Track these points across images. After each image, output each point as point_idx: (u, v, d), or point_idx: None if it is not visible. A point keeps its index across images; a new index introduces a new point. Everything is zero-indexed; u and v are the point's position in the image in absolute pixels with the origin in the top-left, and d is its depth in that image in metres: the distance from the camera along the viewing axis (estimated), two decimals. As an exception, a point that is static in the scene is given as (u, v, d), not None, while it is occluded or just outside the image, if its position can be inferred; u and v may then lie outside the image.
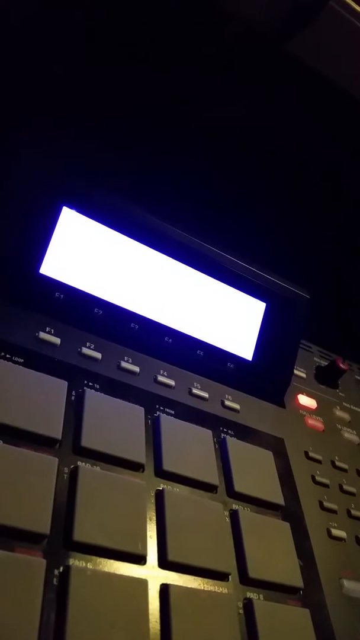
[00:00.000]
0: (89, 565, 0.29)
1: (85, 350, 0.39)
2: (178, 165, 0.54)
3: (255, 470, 0.41)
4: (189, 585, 0.32)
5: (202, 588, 0.33)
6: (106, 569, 0.30)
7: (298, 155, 0.54)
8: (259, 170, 0.56)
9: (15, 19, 0.42)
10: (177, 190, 0.55)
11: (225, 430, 0.43)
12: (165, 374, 0.43)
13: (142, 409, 0.38)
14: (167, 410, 0.40)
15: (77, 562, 0.29)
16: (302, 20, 0.45)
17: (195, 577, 0.33)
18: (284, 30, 0.46)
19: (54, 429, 0.33)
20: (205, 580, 0.33)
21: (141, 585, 0.30)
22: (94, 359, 0.40)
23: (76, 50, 0.46)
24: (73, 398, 0.36)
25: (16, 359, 0.35)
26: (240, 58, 0.48)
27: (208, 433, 0.41)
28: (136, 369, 0.41)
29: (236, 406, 0.45)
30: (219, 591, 0.33)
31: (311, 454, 0.48)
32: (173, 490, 0.36)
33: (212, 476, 0.38)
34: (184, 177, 0.55)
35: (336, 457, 0.49)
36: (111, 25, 0.44)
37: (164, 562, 0.32)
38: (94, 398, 0.37)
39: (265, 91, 0.50)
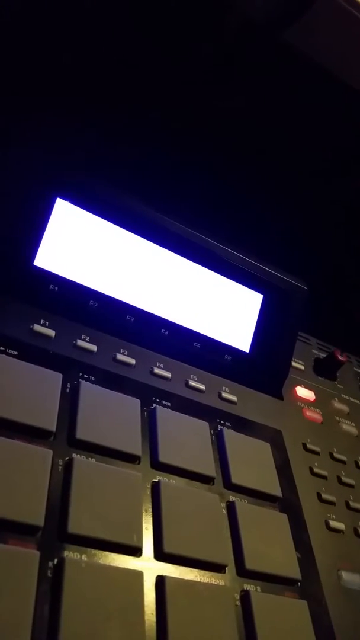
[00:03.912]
0: (84, 557, 0.29)
1: (80, 343, 0.39)
2: (174, 156, 0.54)
3: (252, 462, 0.41)
4: (185, 577, 0.32)
5: (199, 580, 0.32)
6: (101, 561, 0.29)
7: (295, 146, 0.54)
8: (255, 161, 0.55)
9: (15, 3, 0.42)
10: (174, 182, 0.54)
11: (222, 422, 0.43)
12: (161, 366, 0.43)
13: (138, 401, 0.38)
14: (164, 402, 0.40)
15: (71, 554, 0.29)
16: (298, 8, 0.44)
17: (192, 569, 0.33)
18: (280, 19, 0.46)
19: (49, 421, 0.33)
20: (202, 572, 0.33)
21: (137, 577, 0.30)
22: (90, 351, 0.39)
23: (74, 41, 0.45)
24: (68, 390, 0.36)
25: (10, 351, 0.35)
26: (238, 50, 0.48)
27: (205, 425, 0.41)
28: (132, 361, 0.41)
29: (233, 398, 0.45)
30: (215, 583, 0.33)
31: (309, 446, 0.47)
32: (169, 482, 0.35)
33: (209, 468, 0.38)
34: (180, 168, 0.55)
35: (334, 449, 0.49)
36: (110, 18, 0.44)
37: (160, 554, 0.32)
38: (89, 390, 0.36)
39: (263, 83, 0.50)
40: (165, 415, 0.39)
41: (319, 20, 0.44)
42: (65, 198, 0.41)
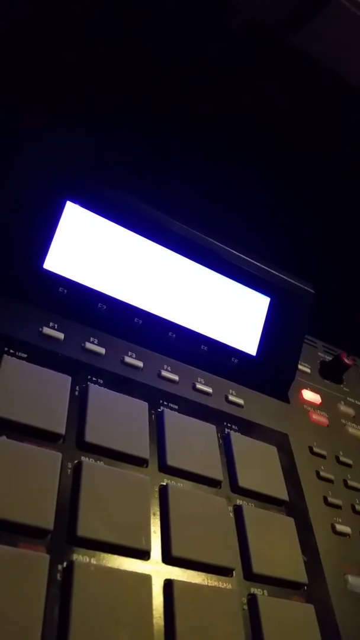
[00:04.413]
0: (93, 561, 0.29)
1: (89, 345, 0.39)
2: (183, 159, 0.54)
3: (259, 466, 0.41)
4: (193, 581, 0.32)
5: (206, 583, 0.32)
6: (110, 565, 0.30)
7: (303, 148, 0.54)
8: (263, 164, 0.55)
9: (21, 5, 0.42)
10: (182, 185, 0.55)
11: (229, 425, 0.43)
12: (169, 369, 0.43)
13: (145, 404, 0.38)
14: (171, 405, 0.40)
15: (80, 557, 0.29)
16: (307, 12, 0.44)
17: (199, 573, 0.33)
18: (288, 23, 0.46)
19: (58, 424, 0.33)
20: (209, 575, 0.33)
21: (145, 580, 0.30)
22: (98, 354, 0.39)
23: (81, 43, 0.46)
24: (77, 393, 0.36)
25: (20, 354, 0.35)
26: (244, 52, 0.48)
27: (212, 428, 0.41)
28: (140, 364, 0.41)
29: (240, 401, 0.45)
30: (222, 587, 0.33)
31: (315, 449, 0.47)
32: (177, 485, 0.36)
33: (216, 471, 0.38)
34: (188, 171, 0.55)
35: (341, 453, 0.49)
36: (116, 20, 0.44)
37: (168, 558, 0.32)
38: (97, 393, 0.36)
39: (269, 85, 0.50)
40: (172, 419, 0.39)
41: (327, 23, 0.44)
42: (75, 201, 0.41)
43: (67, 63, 0.46)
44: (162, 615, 0.29)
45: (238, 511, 0.37)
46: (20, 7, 0.43)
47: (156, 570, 0.31)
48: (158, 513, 0.34)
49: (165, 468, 0.36)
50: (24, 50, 0.45)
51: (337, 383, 0.57)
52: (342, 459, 0.49)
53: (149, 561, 0.31)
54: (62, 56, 0.46)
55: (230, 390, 0.46)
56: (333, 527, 0.43)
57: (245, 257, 0.48)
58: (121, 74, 0.48)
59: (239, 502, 0.38)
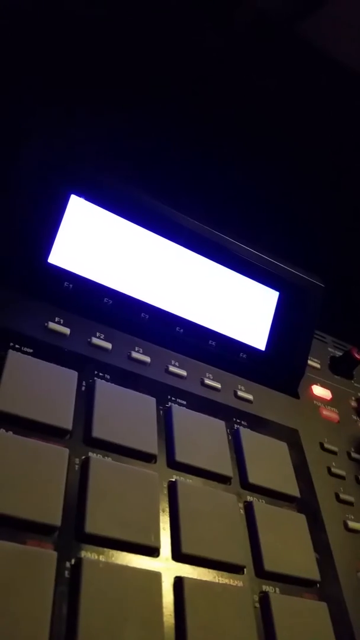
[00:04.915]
0: (101, 558, 0.29)
1: (95, 341, 0.39)
2: (189, 153, 0.54)
3: (269, 462, 0.40)
4: (204, 578, 0.31)
5: (217, 581, 0.32)
6: (119, 562, 0.29)
7: (311, 141, 0.53)
8: (271, 157, 0.55)
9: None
10: (188, 178, 0.54)
11: (238, 421, 0.42)
12: (176, 364, 0.42)
13: (153, 400, 0.38)
14: (179, 400, 0.40)
15: (89, 554, 0.28)
16: (312, 1, 0.44)
17: (210, 570, 0.32)
18: (295, 12, 0.45)
19: (65, 419, 0.32)
20: (220, 573, 0.32)
21: (155, 578, 0.29)
22: (104, 349, 0.39)
23: (87, 36, 0.45)
24: (83, 388, 0.35)
25: (25, 349, 0.35)
26: (250, 45, 0.47)
27: (221, 424, 0.40)
28: (147, 359, 0.41)
29: (249, 397, 0.45)
30: (234, 584, 0.32)
31: (326, 445, 0.47)
32: (186, 481, 0.35)
33: (226, 467, 0.37)
34: (194, 164, 0.54)
35: (352, 449, 0.48)
36: (122, 16, 0.44)
37: (178, 555, 0.31)
38: (104, 388, 0.36)
39: (276, 76, 0.49)
40: (181, 414, 0.38)
41: (332, 12, 0.44)
42: (79, 194, 0.40)
43: (71, 55, 0.46)
44: (172, 613, 0.29)
45: (249, 508, 0.37)
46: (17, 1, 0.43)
47: (166, 567, 0.30)
48: (167, 509, 0.33)
49: (174, 464, 0.35)
50: (25, 42, 0.44)
51: (348, 379, 0.56)
52: (353, 455, 0.48)
53: (158, 558, 0.31)
54: (65, 48, 0.46)
55: (239, 386, 0.45)
56: (345, 524, 0.42)
57: (253, 251, 0.47)
58: (128, 69, 0.48)
59: (249, 498, 0.37)
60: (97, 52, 0.46)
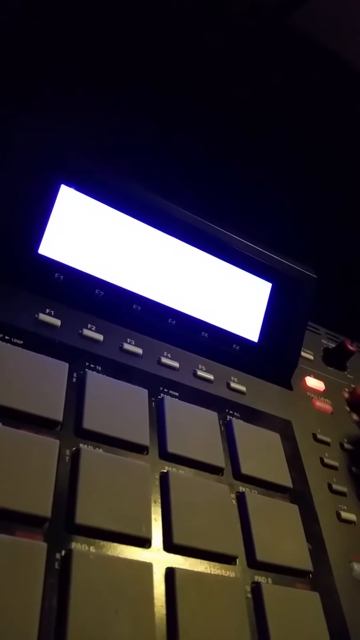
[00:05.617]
0: (92, 549, 0.28)
1: (86, 332, 0.39)
2: (181, 143, 0.53)
3: (262, 453, 0.40)
4: (195, 569, 0.31)
5: (209, 572, 0.32)
6: (110, 553, 0.29)
7: (304, 133, 0.53)
8: (263, 148, 0.55)
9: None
10: (180, 169, 0.54)
11: (231, 412, 0.42)
12: (169, 355, 0.42)
13: (145, 391, 0.37)
14: (171, 392, 0.40)
15: (79, 545, 0.28)
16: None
17: (202, 561, 0.32)
18: (288, 2, 0.45)
19: (55, 410, 0.32)
20: (212, 563, 0.32)
21: (146, 569, 0.29)
22: (96, 341, 0.39)
23: (79, 25, 0.45)
24: (74, 380, 0.35)
25: (15, 340, 0.35)
26: (245, 37, 0.47)
27: (213, 415, 0.40)
28: (139, 350, 0.40)
29: (242, 388, 0.44)
30: (226, 575, 0.32)
31: (319, 436, 0.47)
32: (178, 472, 0.35)
33: (218, 458, 0.37)
34: (187, 155, 0.54)
35: (345, 440, 0.48)
36: (118, 8, 0.43)
37: (170, 545, 0.31)
38: (95, 380, 0.36)
39: (271, 68, 0.49)
40: (173, 406, 0.38)
41: (325, 3, 0.43)
42: (69, 184, 0.40)
43: (63, 46, 0.46)
44: (163, 604, 0.29)
45: (241, 498, 0.36)
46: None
47: (157, 558, 0.30)
48: (159, 500, 0.33)
49: (166, 455, 0.35)
50: (16, 33, 0.44)
51: (341, 370, 0.56)
52: (346, 446, 0.48)
53: (149, 549, 0.30)
54: (58, 39, 0.45)
55: (232, 377, 0.45)
56: (338, 515, 0.42)
57: (246, 242, 0.47)
58: (119, 58, 0.47)
59: (241, 489, 0.37)
60: (93, 46, 0.46)
